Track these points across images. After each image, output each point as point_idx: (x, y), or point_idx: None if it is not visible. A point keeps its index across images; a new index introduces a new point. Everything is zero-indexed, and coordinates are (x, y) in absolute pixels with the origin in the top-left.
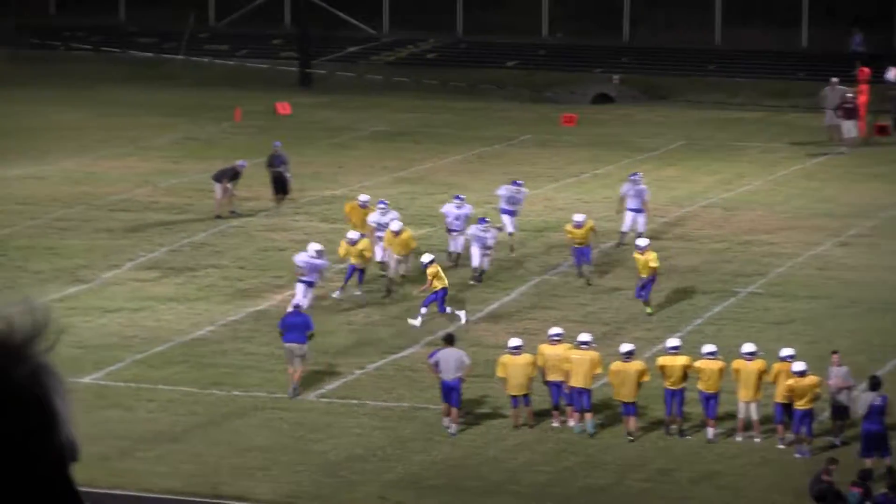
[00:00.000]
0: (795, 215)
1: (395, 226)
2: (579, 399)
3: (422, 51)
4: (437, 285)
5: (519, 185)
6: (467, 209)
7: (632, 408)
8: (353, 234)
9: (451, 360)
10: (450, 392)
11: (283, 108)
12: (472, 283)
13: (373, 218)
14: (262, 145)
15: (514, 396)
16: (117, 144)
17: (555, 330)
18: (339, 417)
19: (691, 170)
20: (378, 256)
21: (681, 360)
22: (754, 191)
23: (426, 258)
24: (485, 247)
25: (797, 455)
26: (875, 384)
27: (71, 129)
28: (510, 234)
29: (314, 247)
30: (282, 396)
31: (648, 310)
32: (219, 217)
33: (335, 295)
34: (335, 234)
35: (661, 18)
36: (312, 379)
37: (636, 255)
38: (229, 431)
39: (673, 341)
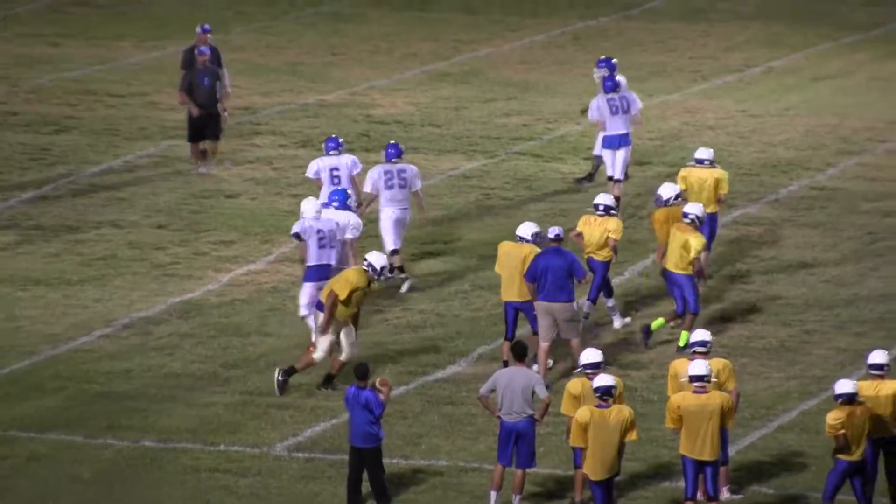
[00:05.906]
0: None
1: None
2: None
3: None
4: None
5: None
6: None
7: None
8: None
9: (517, 387)
10: (511, 440)
11: None
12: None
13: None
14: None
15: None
16: None
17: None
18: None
19: None
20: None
21: (889, 388)
22: None
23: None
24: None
25: None
26: None
27: None
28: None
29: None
30: (241, 450)
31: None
32: None
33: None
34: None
35: None
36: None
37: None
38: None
39: (879, 355)
